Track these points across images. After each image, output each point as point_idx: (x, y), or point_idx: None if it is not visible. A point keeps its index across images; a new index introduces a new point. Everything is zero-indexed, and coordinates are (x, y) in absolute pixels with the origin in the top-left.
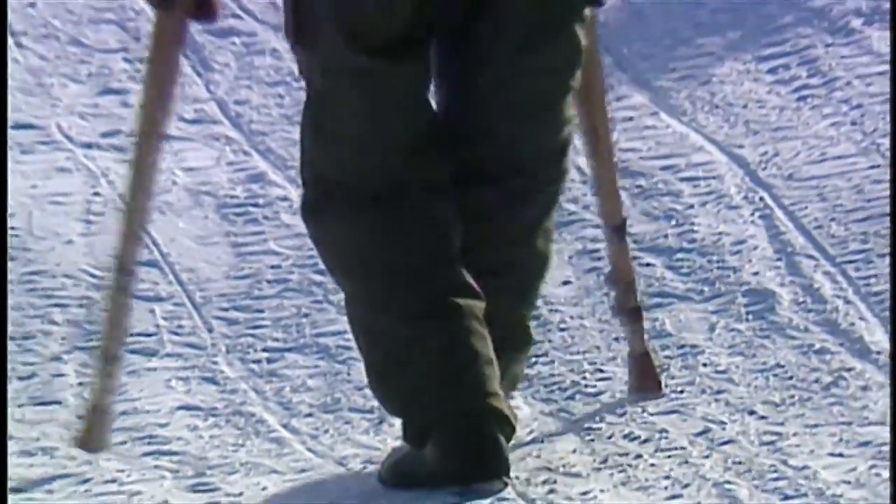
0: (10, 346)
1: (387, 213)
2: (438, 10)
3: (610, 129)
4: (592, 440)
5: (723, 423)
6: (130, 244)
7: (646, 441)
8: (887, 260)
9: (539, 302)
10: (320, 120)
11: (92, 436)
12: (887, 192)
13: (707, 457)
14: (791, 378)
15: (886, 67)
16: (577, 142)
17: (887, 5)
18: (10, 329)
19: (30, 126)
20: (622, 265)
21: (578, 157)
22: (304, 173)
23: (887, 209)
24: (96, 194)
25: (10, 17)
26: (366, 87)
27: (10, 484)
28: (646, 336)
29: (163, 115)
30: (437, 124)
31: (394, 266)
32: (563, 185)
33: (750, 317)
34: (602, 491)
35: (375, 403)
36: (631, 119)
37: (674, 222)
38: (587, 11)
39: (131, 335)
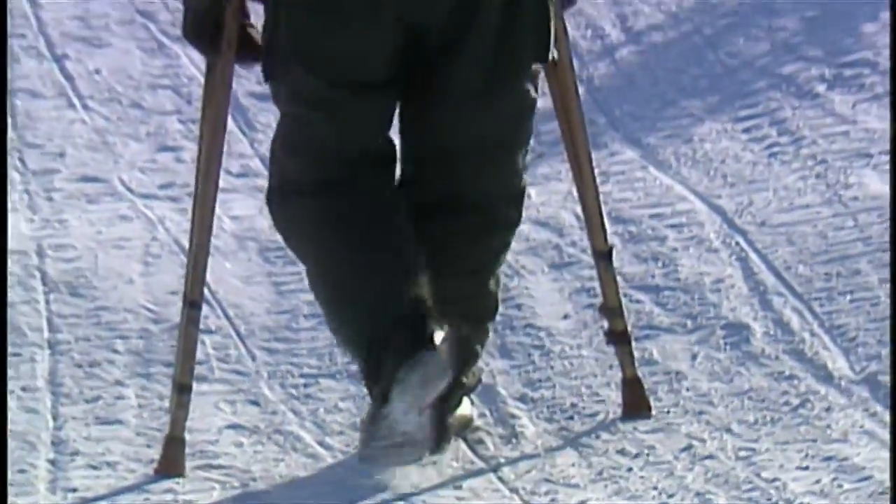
0: (78, 372)
1: (340, 198)
2: (405, 59)
3: (593, 167)
4: (589, 455)
5: (703, 440)
6: (198, 281)
7: (636, 456)
8: (848, 297)
9: (542, 334)
10: (290, 138)
11: (170, 463)
12: (848, 237)
13: (690, 470)
14: (763, 401)
15: (847, 127)
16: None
17: (848, 72)
18: (77, 357)
19: (95, 179)
20: (609, 290)
21: (577, 206)
22: (273, 177)
23: (848, 252)
24: (154, 239)
25: (78, 83)
26: (330, 114)
27: (78, 494)
28: (636, 362)
29: (217, 156)
30: (393, 154)
31: (342, 242)
32: (514, 231)
33: (727, 347)
34: (597, 500)
35: None
36: (623, 172)
37: (660, 263)
38: (535, 67)
39: None
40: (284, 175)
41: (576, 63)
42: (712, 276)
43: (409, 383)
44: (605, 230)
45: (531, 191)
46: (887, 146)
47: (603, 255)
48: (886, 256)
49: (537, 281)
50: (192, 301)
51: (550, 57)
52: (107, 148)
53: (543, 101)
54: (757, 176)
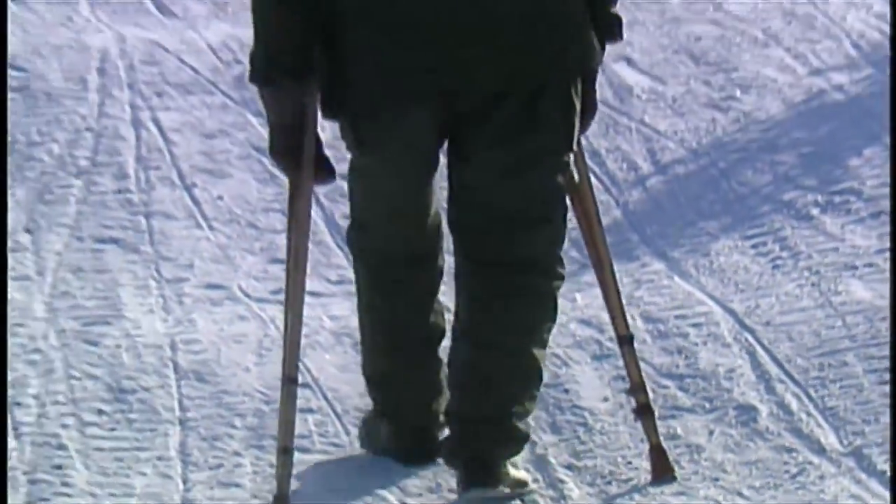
0: (204, 444)
1: (393, 275)
2: (445, 129)
3: (613, 267)
4: None
5: (719, 502)
6: (293, 362)
7: None
8: (838, 384)
9: (586, 413)
10: (358, 183)
11: None
12: (838, 335)
13: None
14: (768, 470)
15: (837, 244)
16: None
17: (837, 199)
18: (203, 432)
19: (219, 286)
20: (632, 369)
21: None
22: (351, 211)
23: (837, 347)
24: (266, 335)
25: (205, 207)
26: (390, 171)
27: None
28: (659, 433)
29: (303, 260)
30: (436, 213)
31: (393, 324)
32: (548, 304)
33: (738, 425)
34: None
35: None
36: (652, 280)
37: (683, 356)
38: (564, 157)
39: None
40: (357, 219)
41: (613, 190)
42: (726, 367)
43: None
44: (625, 319)
45: (577, 295)
46: (871, 260)
47: (625, 340)
48: (870, 350)
49: (582, 370)
50: (290, 377)
51: (573, 154)
52: (228, 260)
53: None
54: (762, 284)
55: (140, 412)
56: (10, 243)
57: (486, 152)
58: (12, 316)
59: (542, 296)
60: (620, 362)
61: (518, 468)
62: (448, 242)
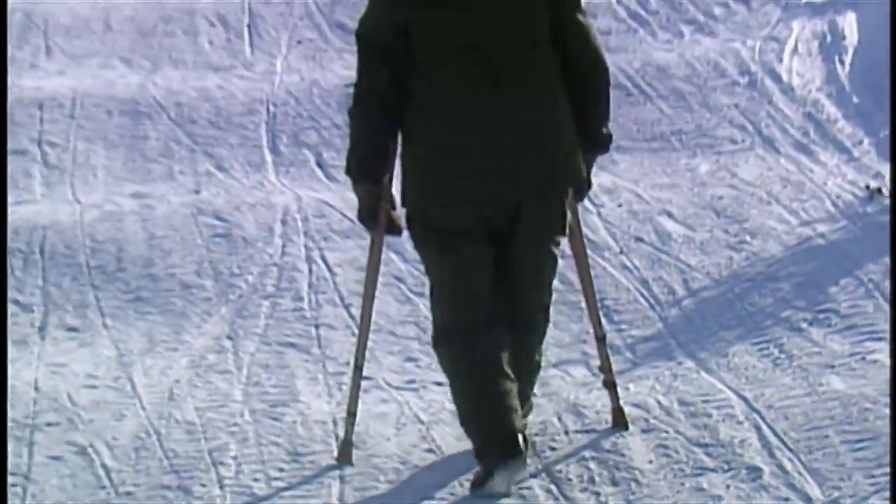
0: (356, 494)
1: (466, 344)
2: (485, 221)
3: (592, 281)
4: None
5: None
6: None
7: None
8: (821, 452)
9: (636, 472)
10: (434, 292)
11: (342, 454)
12: (822, 416)
13: None
14: None
15: (820, 349)
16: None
17: (821, 316)
18: (356, 484)
19: (368, 378)
20: (603, 359)
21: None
22: (434, 326)
23: (820, 425)
24: (402, 414)
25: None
26: (448, 259)
27: None
28: (621, 400)
29: (371, 296)
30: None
31: (469, 376)
32: (545, 331)
33: (748, 481)
34: None
35: None
36: (685, 375)
37: (707, 430)
38: (559, 238)
39: None
40: (436, 322)
41: (657, 308)
42: (739, 438)
43: (505, 474)
44: (600, 322)
45: (630, 385)
46: (845, 361)
47: (600, 338)
48: (845, 427)
49: (633, 440)
50: (358, 365)
51: (567, 231)
52: (374, 359)
53: (641, 331)
54: (766, 378)
55: (310, 470)
56: (215, 346)
57: (512, 245)
58: (216, 399)
59: (543, 333)
60: (663, 434)
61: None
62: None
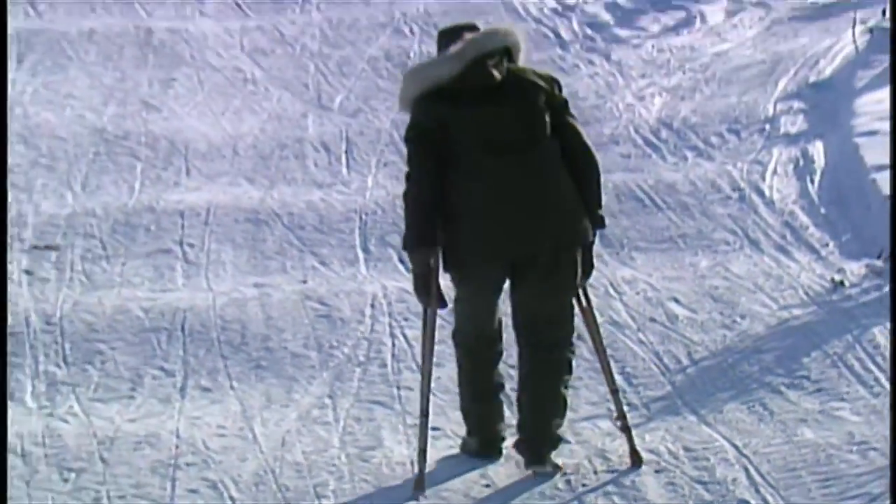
0: None
1: (477, 347)
2: (507, 273)
3: (605, 350)
4: None
5: None
6: (425, 398)
7: None
8: (797, 489)
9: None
10: (458, 305)
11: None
12: (797, 460)
13: None
14: None
15: (795, 407)
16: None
17: (803, 381)
18: None
19: (437, 428)
20: (618, 407)
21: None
22: (455, 320)
23: (797, 466)
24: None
25: (433, 384)
26: (474, 298)
27: None
28: (635, 441)
29: (431, 356)
30: (500, 319)
31: (476, 381)
32: (571, 359)
33: None
34: None
35: None
36: (689, 427)
37: (706, 471)
38: (573, 289)
39: None
40: (457, 321)
41: (666, 374)
42: (730, 477)
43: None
44: (612, 375)
45: (646, 435)
46: (816, 417)
47: (614, 391)
48: (816, 468)
49: (648, 480)
50: (424, 412)
51: (582, 293)
52: (443, 413)
53: (654, 392)
54: (753, 430)
55: (392, 500)
56: (318, 403)
57: (532, 286)
58: (319, 445)
59: (566, 361)
60: (671, 473)
61: (554, 459)
62: (508, 333)
